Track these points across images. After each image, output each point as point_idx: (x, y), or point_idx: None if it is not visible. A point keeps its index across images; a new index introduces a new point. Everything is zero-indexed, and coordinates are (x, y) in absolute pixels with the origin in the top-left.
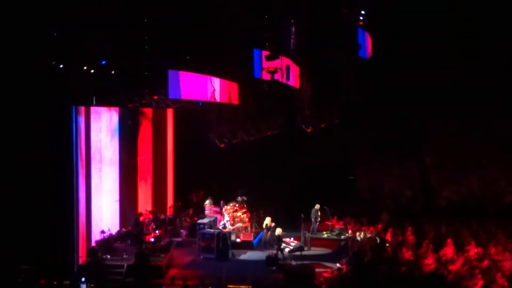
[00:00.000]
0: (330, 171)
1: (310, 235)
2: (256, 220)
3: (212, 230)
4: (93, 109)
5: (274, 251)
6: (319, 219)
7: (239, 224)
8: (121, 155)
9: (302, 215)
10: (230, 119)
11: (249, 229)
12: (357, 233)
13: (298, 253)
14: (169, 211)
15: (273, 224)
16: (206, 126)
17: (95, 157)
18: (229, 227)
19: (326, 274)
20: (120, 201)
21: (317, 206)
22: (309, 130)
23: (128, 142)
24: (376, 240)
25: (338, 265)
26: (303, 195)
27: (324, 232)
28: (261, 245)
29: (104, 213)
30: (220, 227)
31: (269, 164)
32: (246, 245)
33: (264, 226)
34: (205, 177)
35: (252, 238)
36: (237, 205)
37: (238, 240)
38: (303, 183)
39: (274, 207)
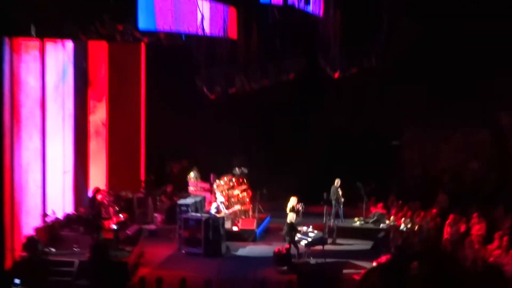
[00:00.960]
0: (365, 135)
1: (334, 222)
2: (260, 201)
3: (198, 215)
4: (31, 43)
5: (285, 245)
6: (342, 199)
7: (236, 207)
8: (75, 109)
9: (325, 195)
10: (226, 59)
11: (250, 213)
12: (403, 221)
13: (318, 247)
14: (139, 188)
15: (300, 207)
16: (191, 69)
17: (34, 110)
18: (223, 210)
19: (357, 277)
20: (73, 173)
21: (337, 182)
22: (336, 75)
23: (82, 90)
24: (429, 230)
25: (374, 264)
26: (327, 168)
27: (356, 219)
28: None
29: (48, 190)
30: (212, 211)
31: (279, 124)
32: (246, 236)
33: (288, 210)
34: (189, 141)
35: (254, 227)
36: (233, 179)
37: (235, 228)
38: (328, 150)
39: (286, 183)
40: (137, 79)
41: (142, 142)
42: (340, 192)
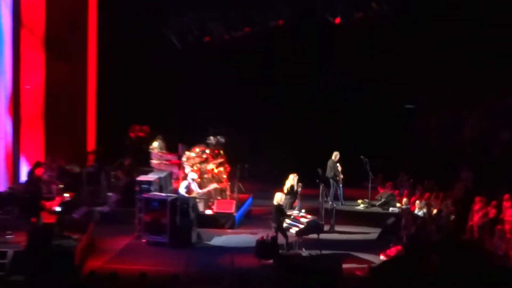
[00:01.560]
0: (372, 96)
1: (333, 205)
2: (240, 178)
3: (163, 195)
4: None
5: (272, 233)
6: (341, 177)
7: (212, 186)
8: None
9: (320, 171)
10: (199, 2)
11: (228, 193)
12: (417, 204)
13: (313, 236)
14: (88, 161)
15: (300, 187)
16: (156, 14)
17: None
18: (194, 189)
19: (360, 273)
20: (4, 142)
21: (336, 156)
22: (337, 21)
23: (15, 39)
24: (450, 216)
25: (382, 257)
26: (325, 138)
27: (360, 202)
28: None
29: None
30: (180, 191)
31: (266, 82)
32: (222, 222)
33: (285, 190)
34: (153, 104)
35: (233, 210)
36: (207, 151)
37: (209, 212)
38: (326, 116)
39: (274, 157)
40: (83, 21)
41: (92, 104)
42: (340, 168)
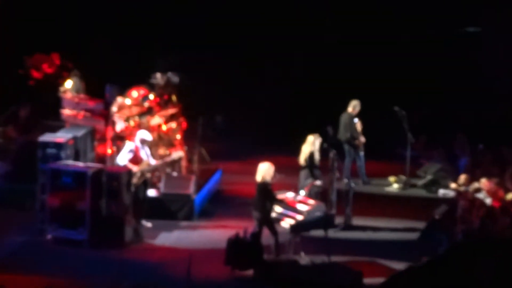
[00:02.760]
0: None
1: (350, 184)
2: (203, 141)
3: (80, 165)
4: None
5: (253, 227)
6: (362, 140)
7: (177, 154)
8: None
9: (330, 130)
10: None
11: (183, 163)
12: (484, 183)
13: (317, 232)
14: None
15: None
16: None
17: None
18: (145, 158)
19: None
20: None
21: (354, 107)
22: None
23: None
24: None
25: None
26: (337, 78)
27: (392, 179)
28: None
29: None
30: (121, 160)
31: None
32: (174, 208)
33: (303, 161)
34: (69, 20)
35: (190, 190)
36: (151, 96)
37: (152, 193)
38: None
39: (259, 105)
40: None
41: None
42: (360, 127)
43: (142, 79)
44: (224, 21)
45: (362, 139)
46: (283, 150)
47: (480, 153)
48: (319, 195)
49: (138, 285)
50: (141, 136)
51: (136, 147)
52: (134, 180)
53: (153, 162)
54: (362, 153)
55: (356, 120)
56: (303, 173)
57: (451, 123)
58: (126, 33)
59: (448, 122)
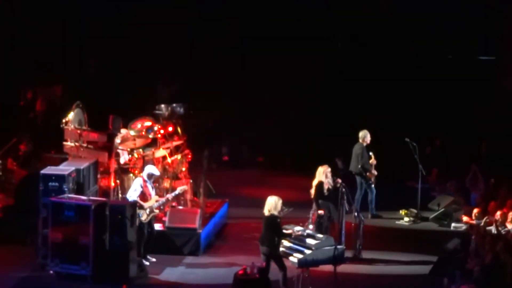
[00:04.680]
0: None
1: (359, 217)
2: (208, 173)
3: (83, 198)
4: None
5: (260, 262)
6: (374, 173)
7: (182, 188)
8: None
9: (340, 162)
10: None
11: (188, 196)
12: (498, 217)
13: (325, 267)
14: None
15: (338, 181)
16: None
17: None
18: (152, 194)
19: None
20: None
21: (364, 137)
22: None
23: None
24: None
25: None
26: (347, 108)
27: (403, 212)
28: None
29: None
30: (131, 196)
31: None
32: (180, 243)
33: (312, 194)
34: (69, 43)
35: (196, 224)
36: (155, 128)
37: (157, 227)
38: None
39: (266, 136)
40: None
41: None
42: (373, 159)
43: (146, 110)
44: (228, 34)
45: (374, 172)
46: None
47: (492, 187)
48: (323, 226)
49: None
50: (148, 171)
51: (144, 182)
52: (144, 217)
53: (159, 199)
54: (373, 186)
55: (367, 153)
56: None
57: (463, 155)
58: (127, 62)
59: (460, 154)
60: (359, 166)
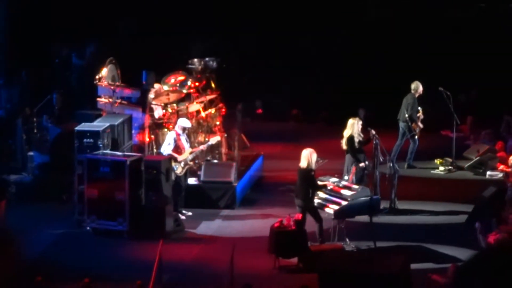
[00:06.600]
0: None
1: (393, 167)
2: (242, 127)
3: (118, 154)
4: None
5: (296, 214)
6: (420, 125)
7: (214, 139)
8: None
9: (361, 112)
10: None
11: (223, 150)
12: None
13: (361, 218)
14: None
15: (372, 132)
16: None
17: None
18: (186, 146)
19: (439, 279)
20: None
21: (416, 88)
22: None
23: None
24: None
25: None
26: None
27: (438, 161)
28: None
29: None
30: (165, 150)
31: None
32: (216, 197)
33: (344, 145)
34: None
35: (232, 178)
36: (189, 82)
37: (193, 182)
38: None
39: (301, 89)
40: None
41: None
42: (421, 112)
43: (178, 64)
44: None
45: (420, 125)
46: (326, 133)
47: None
48: (364, 179)
49: (179, 279)
50: (181, 124)
51: (178, 135)
52: (179, 170)
53: (192, 150)
54: (416, 137)
55: (416, 105)
56: (348, 158)
57: (499, 103)
58: (159, 18)
59: (495, 103)
60: (407, 115)
